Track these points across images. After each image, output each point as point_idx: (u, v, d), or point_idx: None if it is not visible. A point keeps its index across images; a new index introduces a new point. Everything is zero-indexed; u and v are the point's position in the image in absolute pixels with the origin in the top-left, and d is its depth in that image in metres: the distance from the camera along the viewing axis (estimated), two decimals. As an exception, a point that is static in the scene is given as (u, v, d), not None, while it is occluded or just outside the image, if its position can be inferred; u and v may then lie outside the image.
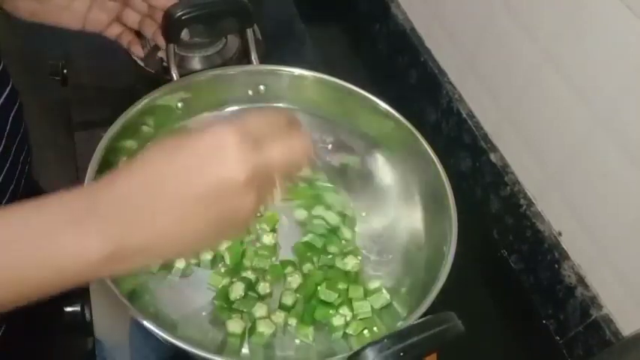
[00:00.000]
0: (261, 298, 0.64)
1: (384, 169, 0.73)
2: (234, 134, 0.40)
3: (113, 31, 0.76)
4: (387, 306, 0.64)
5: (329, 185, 0.74)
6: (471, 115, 0.82)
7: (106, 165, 0.61)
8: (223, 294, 0.63)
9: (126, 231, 0.40)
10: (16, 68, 0.74)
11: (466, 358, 0.65)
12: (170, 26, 0.71)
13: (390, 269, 0.68)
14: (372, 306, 0.63)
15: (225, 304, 0.62)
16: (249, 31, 0.77)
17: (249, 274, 0.65)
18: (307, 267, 0.66)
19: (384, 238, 0.71)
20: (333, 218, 0.70)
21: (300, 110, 0.74)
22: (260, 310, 0.62)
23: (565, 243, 0.69)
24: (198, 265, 0.66)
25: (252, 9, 0.75)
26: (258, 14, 0.82)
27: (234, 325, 0.60)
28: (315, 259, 0.67)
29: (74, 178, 0.71)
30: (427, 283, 0.58)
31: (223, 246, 0.66)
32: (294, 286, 0.64)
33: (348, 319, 0.63)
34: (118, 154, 0.64)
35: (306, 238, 0.68)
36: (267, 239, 0.68)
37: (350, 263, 0.66)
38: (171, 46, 0.73)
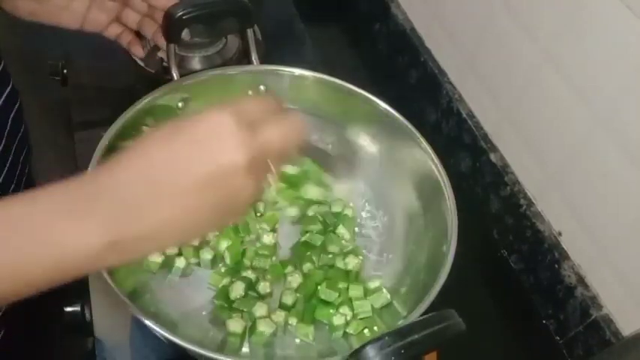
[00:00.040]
0: (262, 297, 0.64)
1: (383, 169, 0.73)
2: (230, 119, 0.40)
3: (113, 31, 0.76)
4: (388, 305, 0.64)
5: (316, 166, 0.73)
6: (471, 115, 0.82)
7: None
8: (223, 293, 0.63)
9: (126, 219, 0.39)
10: (16, 68, 0.74)
11: (466, 358, 0.65)
12: (171, 26, 0.71)
13: (390, 269, 0.68)
14: (372, 305, 0.63)
15: (225, 304, 0.62)
16: (249, 31, 0.77)
17: (250, 274, 0.65)
18: (307, 266, 0.66)
19: (385, 238, 0.71)
20: (318, 194, 0.71)
21: (300, 110, 0.74)
22: (260, 309, 0.62)
23: (565, 243, 0.69)
24: (198, 264, 0.66)
25: (252, 9, 0.75)
26: (258, 14, 0.82)
27: (235, 325, 0.60)
28: (315, 258, 0.67)
29: (74, 178, 0.71)
30: (427, 283, 0.58)
31: (223, 246, 0.66)
32: (295, 285, 0.64)
33: (349, 318, 0.63)
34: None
35: (304, 238, 0.68)
36: (267, 239, 0.68)
37: (351, 263, 0.66)
38: (172, 46, 0.73)
